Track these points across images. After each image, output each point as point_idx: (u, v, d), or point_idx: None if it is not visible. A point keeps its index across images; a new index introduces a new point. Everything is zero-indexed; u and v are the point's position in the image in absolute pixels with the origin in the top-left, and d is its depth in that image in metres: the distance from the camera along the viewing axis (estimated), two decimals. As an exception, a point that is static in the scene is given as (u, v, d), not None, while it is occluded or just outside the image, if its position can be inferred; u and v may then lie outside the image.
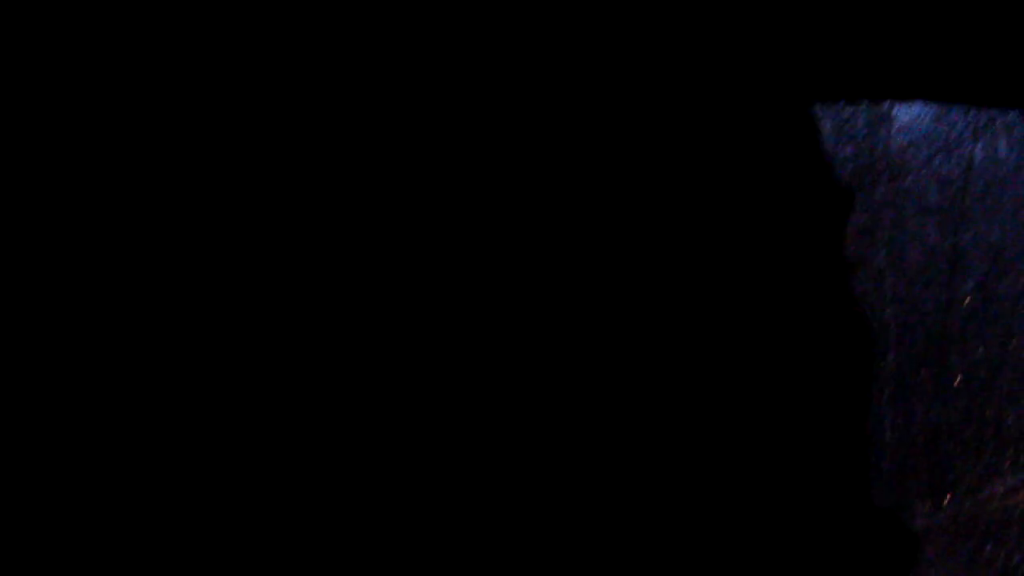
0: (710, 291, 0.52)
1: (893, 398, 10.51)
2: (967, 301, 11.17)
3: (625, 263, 0.48)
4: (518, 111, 0.47)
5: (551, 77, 0.48)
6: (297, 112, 0.48)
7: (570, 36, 0.49)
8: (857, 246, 10.82)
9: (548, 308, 0.47)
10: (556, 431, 0.49)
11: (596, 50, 0.47)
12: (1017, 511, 9.94)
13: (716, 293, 0.53)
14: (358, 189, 0.48)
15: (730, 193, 0.51)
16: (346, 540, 0.48)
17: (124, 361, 0.50)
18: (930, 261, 11.42)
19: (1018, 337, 10.65)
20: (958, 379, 10.77)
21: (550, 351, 0.47)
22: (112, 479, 0.50)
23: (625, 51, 0.49)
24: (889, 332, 10.65)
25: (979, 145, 12.25)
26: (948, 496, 10.47)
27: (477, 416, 0.48)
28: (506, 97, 0.47)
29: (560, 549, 0.50)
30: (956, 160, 12.11)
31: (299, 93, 0.50)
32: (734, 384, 0.51)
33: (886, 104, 11.54)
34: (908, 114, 11.93)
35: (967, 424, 10.50)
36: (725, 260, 0.53)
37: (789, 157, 0.53)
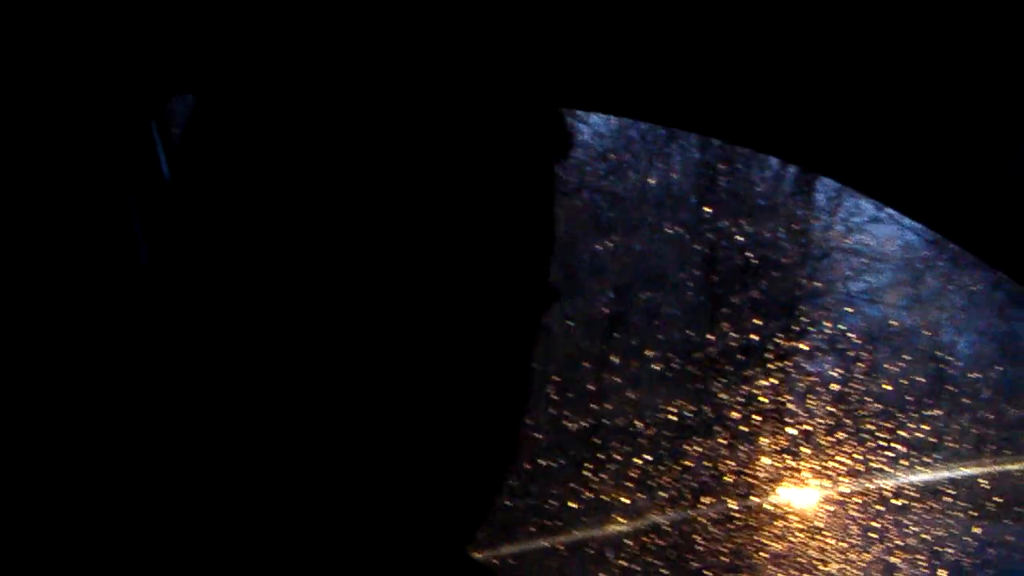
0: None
1: (555, 404, 10.64)
2: (607, 313, 11.35)
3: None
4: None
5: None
6: None
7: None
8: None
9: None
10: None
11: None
12: (620, 535, 10.17)
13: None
14: None
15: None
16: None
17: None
18: (600, 276, 11.63)
19: (653, 350, 10.87)
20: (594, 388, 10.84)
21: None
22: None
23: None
24: (556, 342, 10.78)
25: (655, 168, 12.60)
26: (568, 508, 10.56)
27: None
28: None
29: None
30: (632, 180, 12.42)
31: None
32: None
33: (568, 117, 11.84)
34: (589, 132, 12.24)
35: (597, 436, 10.60)
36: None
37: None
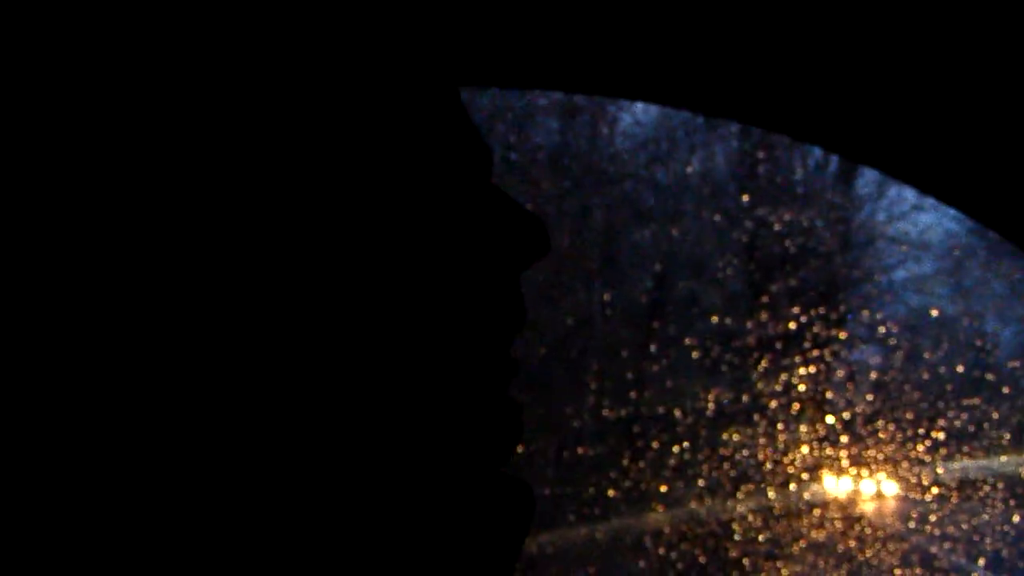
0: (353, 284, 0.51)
1: (594, 393, 10.75)
2: (645, 301, 11.47)
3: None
4: None
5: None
6: None
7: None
8: (570, 247, 11.18)
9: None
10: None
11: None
12: (658, 524, 10.34)
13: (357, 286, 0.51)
14: None
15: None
16: None
17: None
18: (640, 264, 11.73)
19: (690, 336, 10.99)
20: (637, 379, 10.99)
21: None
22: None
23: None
24: (596, 330, 10.91)
25: (696, 155, 12.62)
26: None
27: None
28: None
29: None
30: (673, 168, 12.46)
31: None
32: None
33: (611, 107, 11.98)
34: (631, 119, 12.38)
35: (635, 424, 10.73)
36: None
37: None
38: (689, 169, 12.32)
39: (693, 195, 12.16)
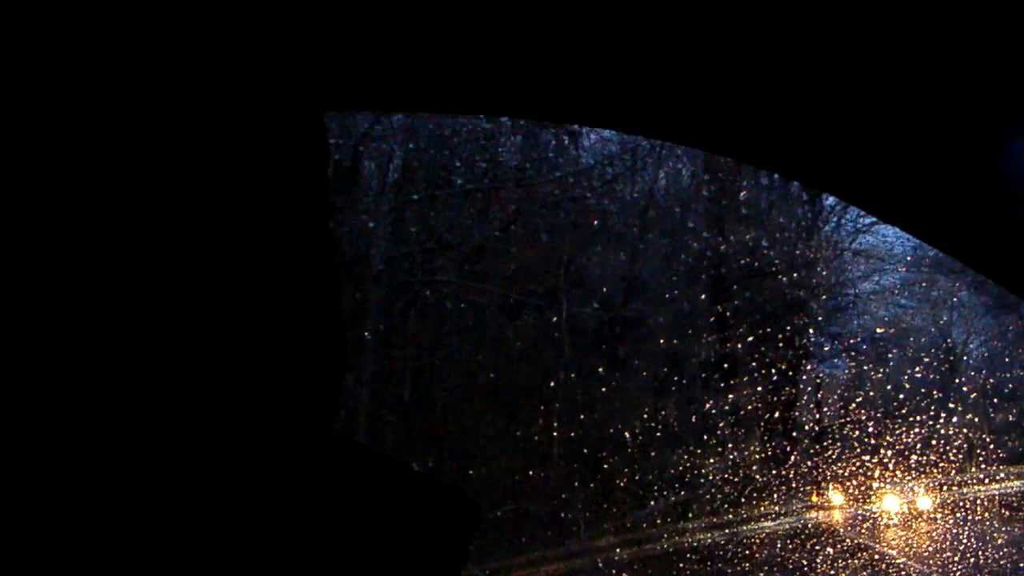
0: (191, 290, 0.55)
1: (562, 412, 10.81)
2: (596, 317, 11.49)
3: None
4: None
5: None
6: None
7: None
8: (538, 265, 11.27)
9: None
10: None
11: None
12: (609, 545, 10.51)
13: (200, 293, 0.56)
14: None
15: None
16: None
17: None
18: (606, 282, 11.75)
19: (639, 360, 11.07)
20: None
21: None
22: None
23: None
24: (564, 351, 10.98)
25: (662, 171, 12.54)
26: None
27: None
28: None
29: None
30: (639, 184, 12.40)
31: None
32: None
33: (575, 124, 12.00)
34: (595, 135, 12.37)
35: (585, 446, 10.81)
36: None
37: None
38: (635, 192, 12.29)
39: (646, 218, 12.11)
